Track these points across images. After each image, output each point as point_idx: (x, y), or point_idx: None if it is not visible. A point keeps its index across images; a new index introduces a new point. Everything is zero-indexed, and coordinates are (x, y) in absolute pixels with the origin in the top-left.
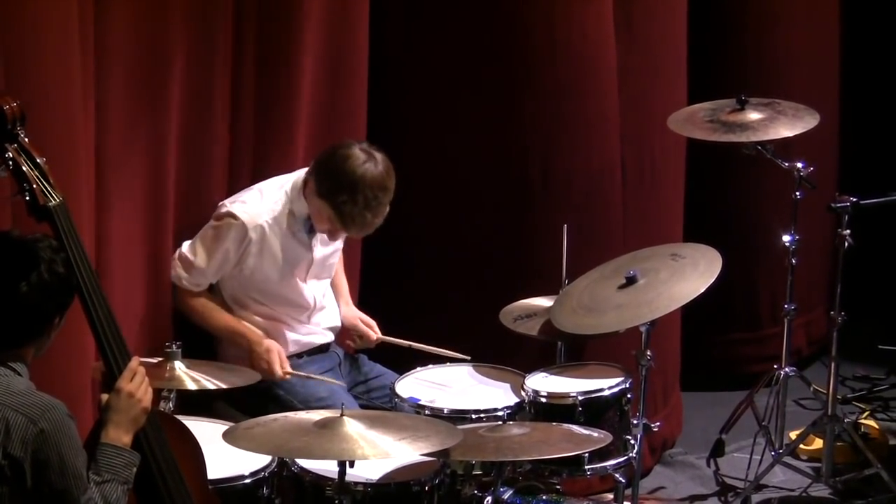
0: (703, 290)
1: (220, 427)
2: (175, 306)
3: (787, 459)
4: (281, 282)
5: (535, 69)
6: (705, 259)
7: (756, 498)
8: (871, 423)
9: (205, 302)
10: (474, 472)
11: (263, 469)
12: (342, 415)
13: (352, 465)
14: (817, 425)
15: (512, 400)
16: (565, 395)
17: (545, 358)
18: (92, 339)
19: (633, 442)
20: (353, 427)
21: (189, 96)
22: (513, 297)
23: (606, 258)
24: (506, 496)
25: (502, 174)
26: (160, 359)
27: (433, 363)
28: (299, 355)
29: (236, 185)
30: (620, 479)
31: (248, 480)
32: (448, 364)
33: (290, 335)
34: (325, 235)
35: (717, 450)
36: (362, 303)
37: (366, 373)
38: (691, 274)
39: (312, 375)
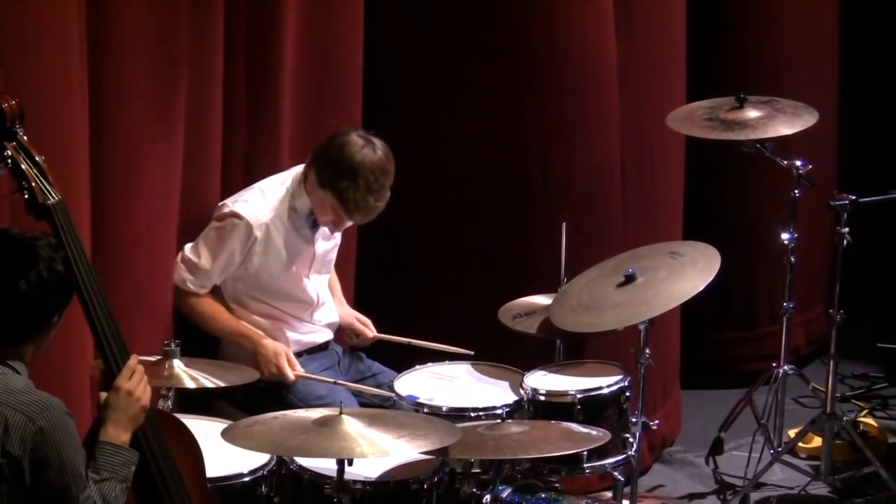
0: (701, 289)
1: (218, 425)
2: (177, 309)
3: (786, 458)
4: (285, 278)
5: (535, 68)
6: (704, 257)
7: (755, 496)
8: (870, 421)
9: (210, 304)
10: (473, 471)
11: (262, 467)
12: (341, 413)
13: (350, 463)
14: (816, 423)
15: (511, 398)
16: (564, 394)
17: (544, 356)
18: (91, 337)
19: (631, 440)
20: (352, 425)
21: (188, 95)
22: (512, 296)
23: (605, 256)
24: (504, 494)
25: (502, 173)
26: (159, 357)
27: (431, 361)
28: (299, 354)
29: (229, 184)
30: (619, 477)
31: (246, 479)
32: (447, 362)
33: (291, 335)
34: (325, 230)
35: (716, 448)
36: (360, 302)
37: (364, 371)
38: (690, 272)
39: (325, 378)
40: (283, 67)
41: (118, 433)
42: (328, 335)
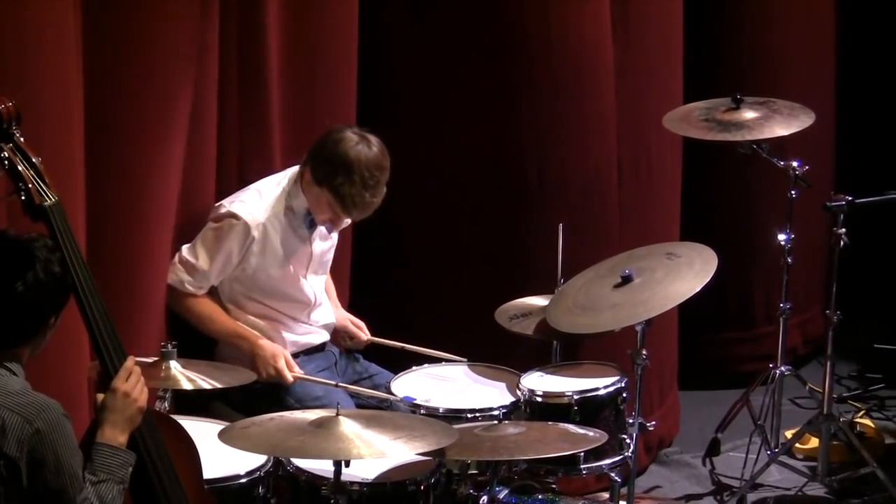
0: (698, 290)
1: (215, 426)
2: (174, 310)
3: (783, 458)
4: (283, 278)
5: (531, 69)
6: (701, 258)
7: (752, 497)
8: (867, 422)
9: (207, 305)
10: (470, 472)
11: (259, 469)
12: (338, 414)
13: (347, 464)
14: (813, 424)
15: (507, 399)
16: (561, 395)
17: (541, 357)
18: (87, 338)
19: (628, 441)
20: (349, 426)
21: (184, 96)
22: (508, 297)
23: (602, 257)
24: (501, 495)
25: (498, 173)
26: (156, 358)
27: (428, 362)
28: (296, 355)
29: (224, 185)
30: (616, 478)
31: (243, 480)
32: (444, 363)
33: (288, 336)
34: (323, 230)
35: (713, 449)
36: (356, 303)
37: (360, 372)
38: (687, 273)
39: (327, 382)
40: (273, 68)
41: (115, 435)
42: (325, 336)
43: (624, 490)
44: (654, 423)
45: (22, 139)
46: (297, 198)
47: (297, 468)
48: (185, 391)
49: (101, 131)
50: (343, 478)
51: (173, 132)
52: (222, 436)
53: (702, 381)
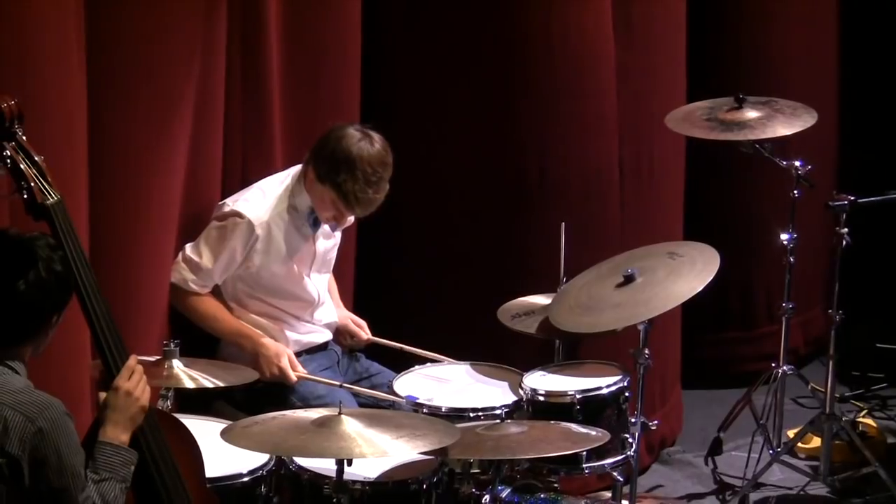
0: (700, 289)
1: (218, 425)
2: (177, 308)
3: (785, 458)
4: (287, 277)
5: (533, 68)
6: (703, 257)
7: (754, 496)
8: (869, 421)
9: (211, 303)
10: (472, 471)
11: (261, 467)
12: (340, 413)
13: (350, 463)
14: (815, 424)
15: (510, 398)
16: (563, 394)
17: (543, 356)
18: (90, 337)
19: (630, 440)
20: (351, 425)
21: (189, 96)
22: (511, 296)
23: (604, 257)
24: (504, 495)
25: (500, 173)
26: (158, 357)
27: (430, 361)
28: (298, 354)
29: (228, 184)
30: (618, 477)
31: (246, 479)
32: (446, 362)
33: (291, 334)
34: (326, 228)
35: (715, 448)
36: (359, 302)
37: (361, 371)
38: (689, 272)
39: (331, 382)
40: (276, 68)
41: (117, 433)
42: (327, 335)
43: (626, 489)
44: (656, 422)
45: (24, 138)
46: (301, 196)
47: (300, 467)
48: (188, 390)
49: (104, 130)
50: (345, 477)
51: (177, 131)
52: (225, 434)
53: (704, 380)
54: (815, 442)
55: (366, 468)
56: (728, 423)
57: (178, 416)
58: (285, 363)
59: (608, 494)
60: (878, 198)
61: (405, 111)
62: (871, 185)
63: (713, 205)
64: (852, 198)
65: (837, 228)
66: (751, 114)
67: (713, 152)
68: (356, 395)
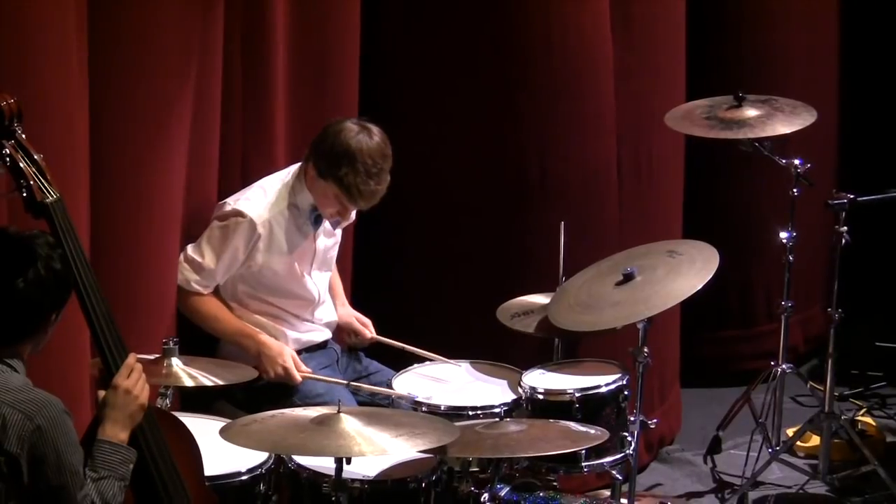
0: (700, 287)
1: (217, 423)
2: (179, 308)
3: (784, 456)
4: (288, 276)
5: (532, 68)
6: (702, 256)
7: (753, 495)
8: (868, 420)
9: (213, 303)
10: (471, 469)
11: (260, 466)
12: (339, 411)
13: (349, 461)
14: (814, 422)
15: (509, 397)
16: (562, 392)
17: (542, 355)
18: (89, 335)
19: (629, 439)
20: (350, 424)
21: (189, 95)
22: (510, 294)
23: (603, 255)
24: (503, 493)
25: (499, 172)
26: (157, 355)
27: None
28: (298, 352)
29: (226, 184)
30: (617, 475)
31: (245, 477)
32: (448, 363)
33: (291, 333)
34: (327, 226)
35: (714, 447)
36: (358, 300)
37: (361, 370)
38: (688, 271)
39: (338, 381)
40: (276, 67)
41: (116, 431)
42: (327, 334)
43: (625, 488)
44: (655, 420)
45: (24, 136)
46: (302, 194)
47: (299, 465)
48: (187, 388)
49: (104, 129)
50: (344, 475)
51: (177, 130)
52: (224, 433)
53: (703, 378)
54: (815, 440)
55: (365, 466)
56: (727, 421)
57: (177, 414)
58: (289, 363)
59: (607, 493)
60: (878, 196)
61: (405, 111)
62: (870, 183)
63: (712, 203)
64: (852, 196)
65: (837, 227)
66: (750, 112)
67: (713, 151)
68: (359, 393)
